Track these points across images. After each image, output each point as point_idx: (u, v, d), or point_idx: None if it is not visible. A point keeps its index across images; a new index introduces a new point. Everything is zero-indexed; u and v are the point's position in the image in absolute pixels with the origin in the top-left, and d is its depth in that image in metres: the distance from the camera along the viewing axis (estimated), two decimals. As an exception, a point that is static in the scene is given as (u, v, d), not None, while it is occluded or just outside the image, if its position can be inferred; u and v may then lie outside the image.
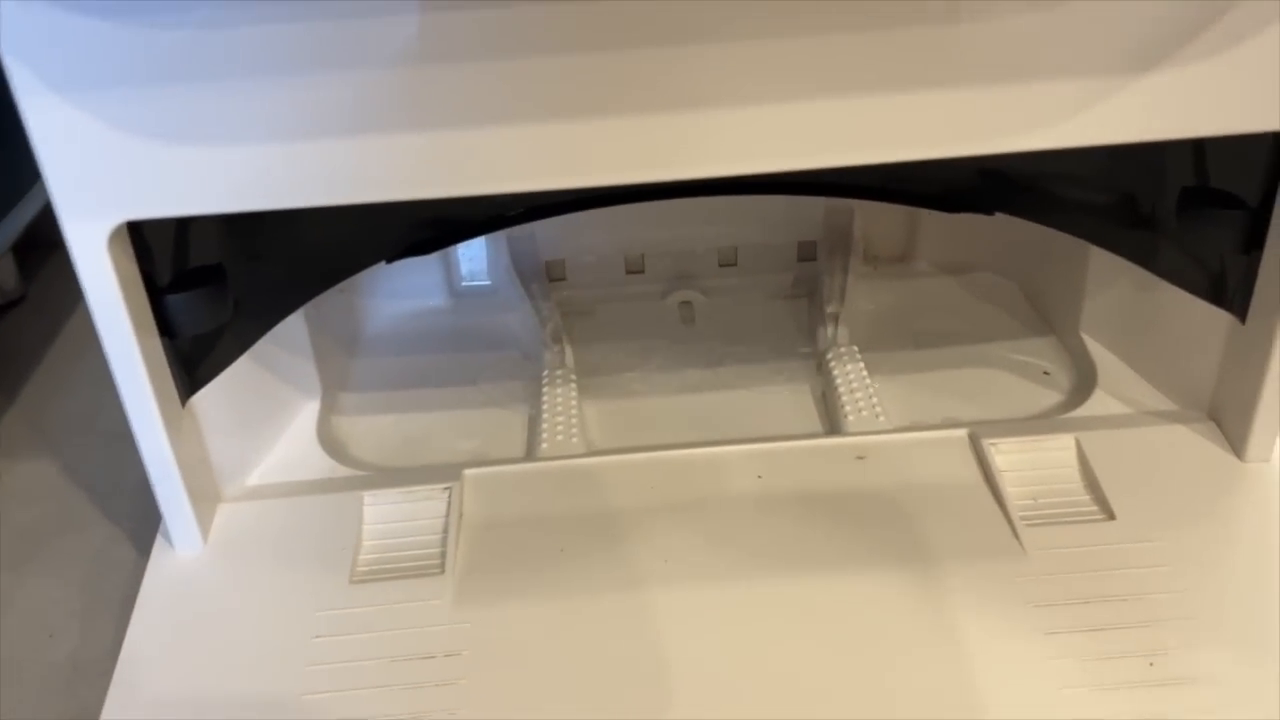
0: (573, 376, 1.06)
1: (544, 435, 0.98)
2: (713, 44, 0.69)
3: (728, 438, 0.97)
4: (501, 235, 1.19)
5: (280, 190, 0.73)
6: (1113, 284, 1.03)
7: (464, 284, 1.23)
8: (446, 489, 0.91)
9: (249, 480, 0.95)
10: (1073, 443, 0.92)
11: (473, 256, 1.22)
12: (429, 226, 1.05)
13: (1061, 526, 0.85)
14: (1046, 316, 1.14)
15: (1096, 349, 1.05)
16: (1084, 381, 1.03)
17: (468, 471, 0.93)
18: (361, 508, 0.90)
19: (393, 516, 0.89)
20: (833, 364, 1.05)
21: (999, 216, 1.07)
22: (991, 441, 0.92)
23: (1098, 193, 0.95)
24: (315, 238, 0.95)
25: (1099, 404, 0.98)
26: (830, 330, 1.11)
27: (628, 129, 0.72)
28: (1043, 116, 0.74)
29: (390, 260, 1.05)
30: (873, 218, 1.22)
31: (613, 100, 0.71)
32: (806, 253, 1.23)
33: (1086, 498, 0.88)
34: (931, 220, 1.21)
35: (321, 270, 0.99)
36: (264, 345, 0.94)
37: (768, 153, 0.75)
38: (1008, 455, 0.92)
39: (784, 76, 0.71)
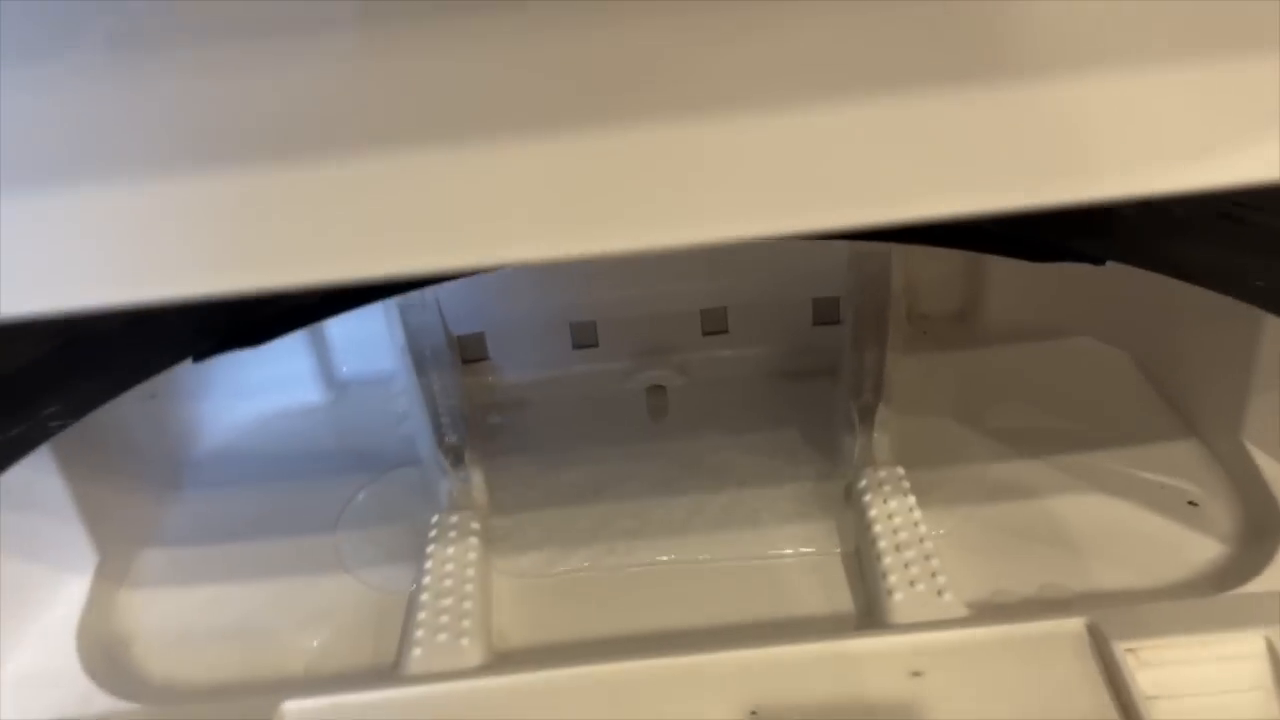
0: (475, 524, 0.71)
1: (417, 635, 0.63)
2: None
3: (708, 629, 0.64)
4: (393, 303, 0.84)
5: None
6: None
7: (345, 372, 0.89)
8: (250, 743, 0.56)
9: (-49, 723, 0.60)
10: (1262, 646, 0.57)
11: (357, 331, 0.87)
12: (256, 305, 0.70)
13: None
14: (1181, 407, 0.78)
15: (1271, 466, 0.69)
16: (1258, 523, 0.67)
17: (289, 706, 0.58)
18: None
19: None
20: (868, 497, 0.70)
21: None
22: (1128, 645, 0.57)
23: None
24: (61, 329, 0.61)
25: (1293, 567, 0.62)
26: (862, 439, 0.75)
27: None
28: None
29: (199, 358, 0.70)
30: (919, 260, 0.87)
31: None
32: (825, 313, 0.87)
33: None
34: (1003, 261, 0.85)
35: (78, 382, 0.64)
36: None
37: (781, 206, 0.40)
38: (1156, 669, 0.57)
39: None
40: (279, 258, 0.43)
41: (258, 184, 0.41)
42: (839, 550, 0.70)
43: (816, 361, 0.87)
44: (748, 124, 0.40)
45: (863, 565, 0.67)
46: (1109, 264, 0.71)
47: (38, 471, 0.67)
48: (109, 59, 0.40)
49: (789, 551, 0.70)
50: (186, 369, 0.75)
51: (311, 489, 0.79)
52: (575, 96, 0.40)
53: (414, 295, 0.82)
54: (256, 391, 0.86)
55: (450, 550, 0.69)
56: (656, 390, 0.87)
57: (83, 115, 0.40)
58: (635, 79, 0.40)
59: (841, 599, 0.66)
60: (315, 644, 0.66)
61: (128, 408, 0.70)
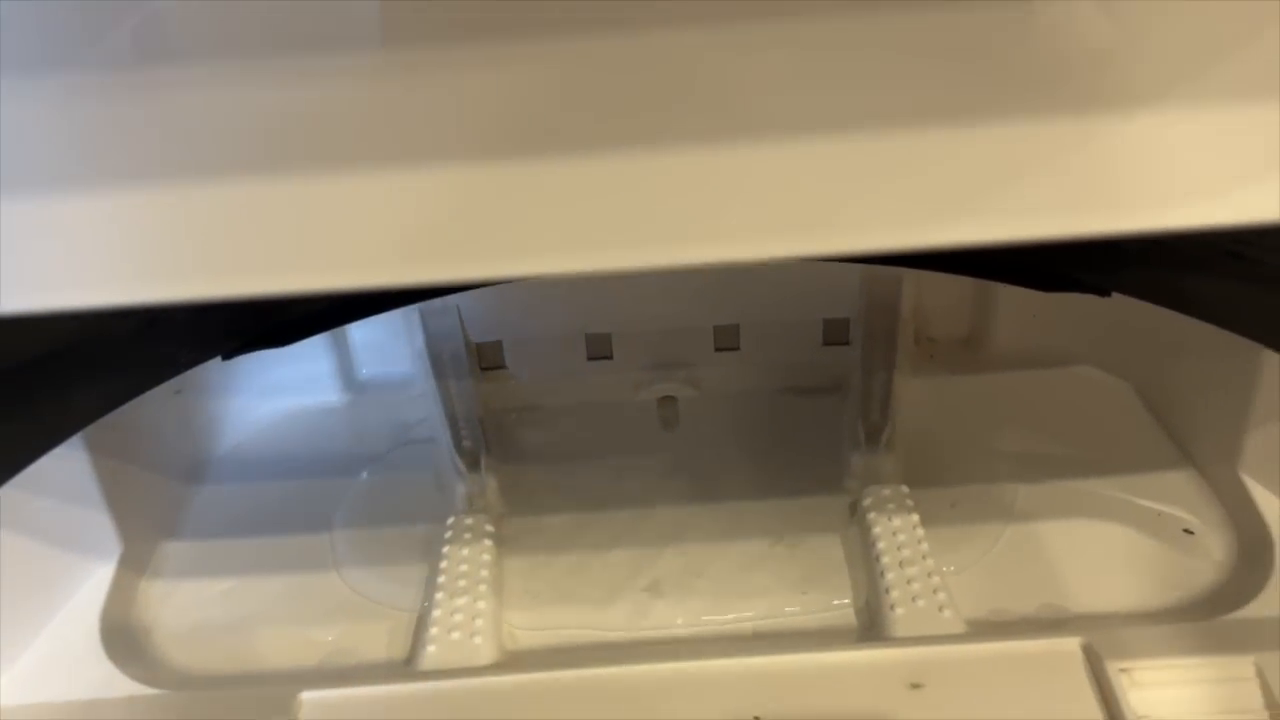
0: (489, 526, 0.73)
1: (432, 633, 0.65)
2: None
3: (713, 636, 0.66)
4: (415, 309, 0.86)
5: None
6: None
7: (365, 374, 0.90)
8: (268, 731, 0.58)
9: (-22, 702, 0.62)
10: (1252, 670, 0.59)
11: (379, 334, 0.89)
12: (285, 308, 0.72)
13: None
14: (1179, 438, 0.79)
15: (1265, 498, 0.70)
16: (1252, 551, 0.69)
17: (307, 696, 0.60)
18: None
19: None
20: (872, 514, 0.72)
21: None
22: (1121, 665, 0.59)
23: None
24: (96, 325, 0.63)
25: (1284, 594, 0.64)
26: (868, 457, 0.77)
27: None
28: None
29: (228, 356, 0.72)
30: (931, 285, 0.89)
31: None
32: (835, 334, 0.89)
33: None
34: (1010, 289, 0.87)
35: (112, 375, 0.66)
36: (16, 489, 0.62)
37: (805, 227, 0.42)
38: (1149, 690, 0.59)
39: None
40: (312, 263, 0.45)
41: (293, 191, 0.42)
42: (844, 566, 0.71)
43: (825, 379, 0.89)
44: (773, 150, 0.42)
45: (869, 582, 0.69)
46: (1113, 295, 0.73)
47: (68, 460, 0.69)
48: (139, 67, 0.41)
49: (800, 562, 0.71)
50: (211, 367, 0.77)
51: (329, 487, 0.81)
52: (601, 119, 0.42)
53: (435, 302, 0.84)
54: (278, 390, 0.87)
55: (465, 551, 0.71)
56: (667, 401, 0.89)
57: (126, 120, 0.42)
58: (660, 102, 0.42)
59: (844, 612, 0.68)
60: (330, 638, 0.68)
61: (154, 402, 0.72)
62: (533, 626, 0.68)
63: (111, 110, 0.42)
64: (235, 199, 0.43)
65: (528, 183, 0.42)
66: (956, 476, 0.78)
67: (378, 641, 0.67)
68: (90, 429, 0.67)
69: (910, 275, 0.86)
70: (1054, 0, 0.40)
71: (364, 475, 0.82)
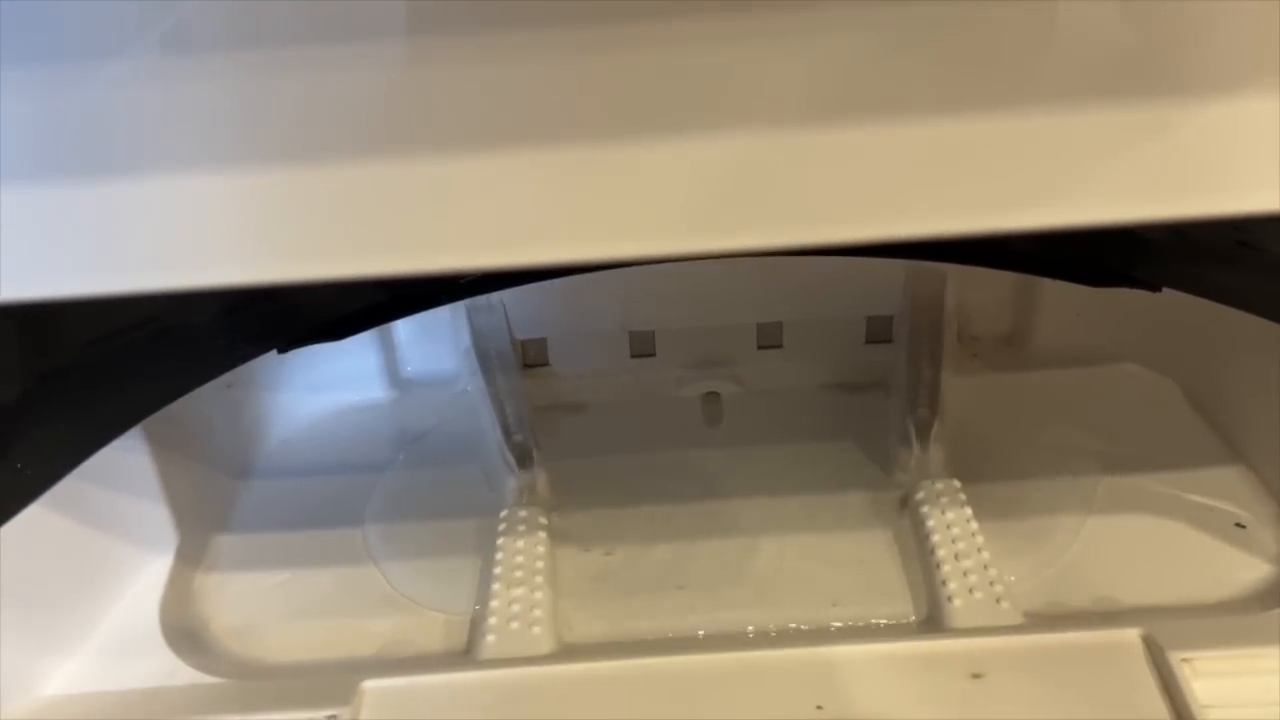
0: (542, 519, 0.73)
1: (490, 623, 0.65)
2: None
3: (770, 628, 0.66)
4: (461, 306, 0.86)
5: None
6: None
7: (409, 371, 0.91)
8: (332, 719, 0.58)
9: (42, 690, 0.62)
10: (1314, 660, 0.58)
11: (422, 331, 0.90)
12: (337, 300, 0.73)
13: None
14: (1226, 434, 0.79)
15: (1318, 492, 0.71)
16: (1306, 545, 0.68)
17: (368, 685, 0.60)
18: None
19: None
20: (925, 508, 0.72)
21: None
22: (1183, 655, 0.58)
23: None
24: (158, 317, 0.64)
25: (1340, 587, 0.64)
26: (918, 450, 0.77)
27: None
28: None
29: (284, 349, 0.72)
30: (972, 282, 0.89)
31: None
32: (879, 332, 0.89)
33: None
34: (1052, 286, 0.87)
35: (170, 368, 0.66)
36: (78, 480, 0.62)
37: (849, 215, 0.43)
38: (1211, 680, 0.58)
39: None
40: (452, 242, 0.45)
41: (424, 171, 0.43)
42: (898, 559, 0.71)
43: (868, 376, 0.89)
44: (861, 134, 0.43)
45: (924, 574, 0.69)
46: (1159, 293, 0.73)
47: (127, 453, 0.69)
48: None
49: (851, 554, 0.72)
50: (260, 362, 0.78)
51: (375, 482, 0.81)
52: (649, 110, 0.42)
53: (481, 299, 0.85)
54: (326, 386, 0.88)
55: (520, 544, 0.71)
56: (711, 397, 0.89)
57: (202, 106, 0.43)
58: (712, 94, 0.42)
59: (901, 605, 0.68)
60: (385, 629, 0.68)
61: (206, 398, 0.73)
62: (588, 618, 0.68)
63: (263, 88, 0.42)
64: (364, 179, 0.44)
65: (622, 164, 0.42)
66: (1005, 472, 0.78)
67: (432, 634, 0.68)
68: (147, 423, 0.68)
69: (953, 273, 0.86)
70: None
71: (408, 470, 0.83)
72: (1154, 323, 0.85)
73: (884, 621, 0.67)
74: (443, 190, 0.43)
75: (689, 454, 0.83)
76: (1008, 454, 0.80)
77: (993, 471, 0.78)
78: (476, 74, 0.42)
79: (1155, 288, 0.73)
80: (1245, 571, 0.68)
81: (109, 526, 0.69)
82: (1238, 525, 0.72)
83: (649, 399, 0.89)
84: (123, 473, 0.69)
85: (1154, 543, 0.71)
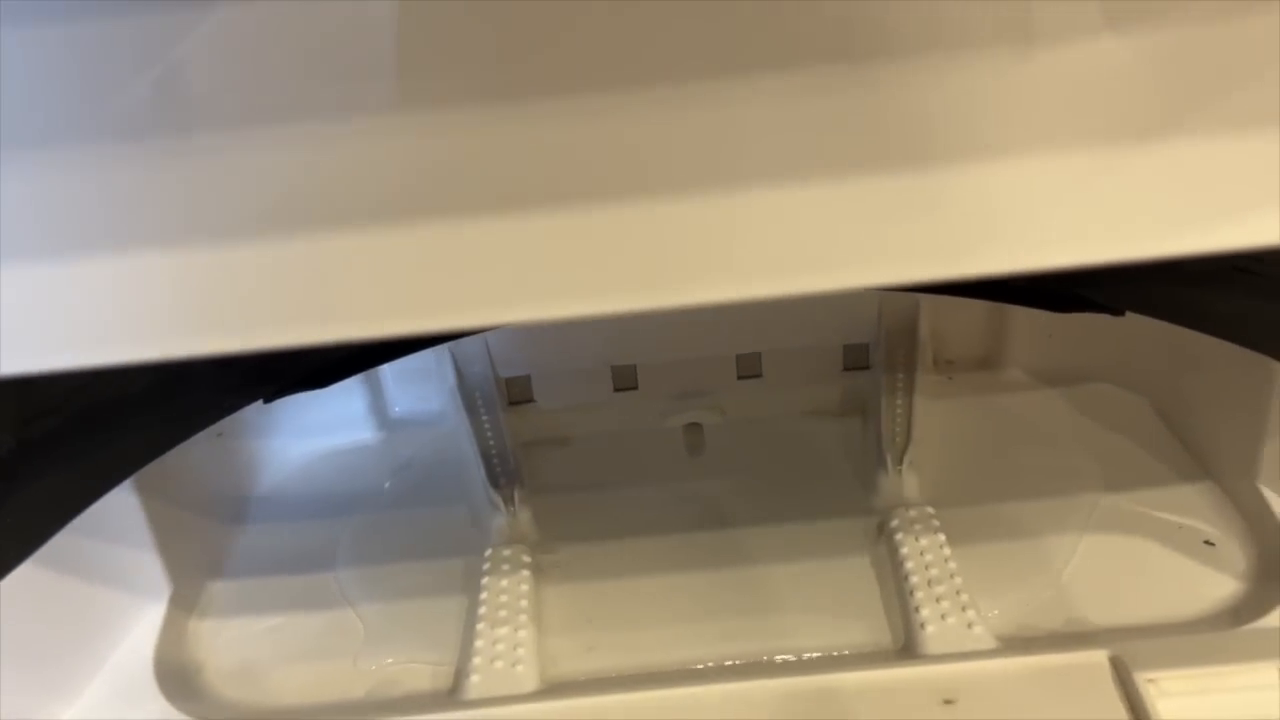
0: (526, 557, 0.75)
1: (475, 663, 0.67)
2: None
3: (750, 659, 0.67)
4: (445, 346, 0.88)
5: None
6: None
7: (398, 411, 0.93)
8: (321, 761, 0.60)
9: (43, 741, 0.64)
10: (1277, 678, 0.60)
11: (409, 372, 0.92)
12: (322, 350, 0.75)
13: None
14: (1198, 452, 0.81)
15: (1285, 508, 0.72)
16: (1272, 560, 0.70)
17: (357, 727, 0.62)
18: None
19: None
20: (899, 534, 0.73)
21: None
22: (1149, 676, 0.60)
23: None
24: (150, 374, 0.65)
25: (1305, 604, 0.65)
26: (892, 475, 0.79)
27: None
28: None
29: (270, 399, 0.74)
30: (946, 310, 0.91)
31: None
32: (855, 359, 0.91)
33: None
34: (1025, 310, 0.89)
35: (160, 422, 0.68)
36: (72, 533, 0.64)
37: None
38: (1176, 699, 0.60)
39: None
40: (341, 315, 0.47)
41: (326, 247, 0.45)
42: (876, 586, 0.73)
43: (846, 404, 0.91)
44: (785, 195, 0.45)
45: (899, 599, 0.70)
46: (1128, 315, 0.75)
47: (119, 504, 0.71)
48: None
49: (829, 580, 0.73)
50: (251, 410, 0.80)
51: (368, 524, 0.83)
52: (612, 174, 0.44)
53: (466, 341, 0.86)
54: (315, 431, 0.90)
55: (504, 582, 0.73)
56: (693, 428, 0.91)
57: (170, 185, 0.45)
58: (668, 161, 0.44)
59: (878, 632, 0.69)
60: (376, 669, 0.70)
61: (198, 446, 0.74)
62: (572, 654, 0.70)
63: (156, 175, 0.44)
64: (267, 257, 0.45)
65: (556, 230, 0.44)
66: (980, 496, 0.79)
67: (420, 675, 0.69)
68: (139, 474, 0.70)
69: (927, 300, 0.88)
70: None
71: (397, 511, 0.84)
72: (1126, 342, 0.87)
73: (861, 650, 0.68)
74: (385, 258, 0.45)
75: (671, 486, 0.85)
76: (984, 477, 0.82)
77: (969, 495, 0.79)
78: (421, 145, 0.44)
79: (1119, 312, 0.75)
80: (1214, 589, 0.70)
81: (103, 577, 0.70)
82: (1207, 543, 0.73)
83: (632, 431, 0.91)
84: (116, 523, 0.71)
85: (1126, 562, 0.73)
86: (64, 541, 0.63)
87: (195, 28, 0.42)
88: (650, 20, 0.41)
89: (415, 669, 0.69)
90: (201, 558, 0.78)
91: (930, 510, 0.75)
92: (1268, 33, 0.42)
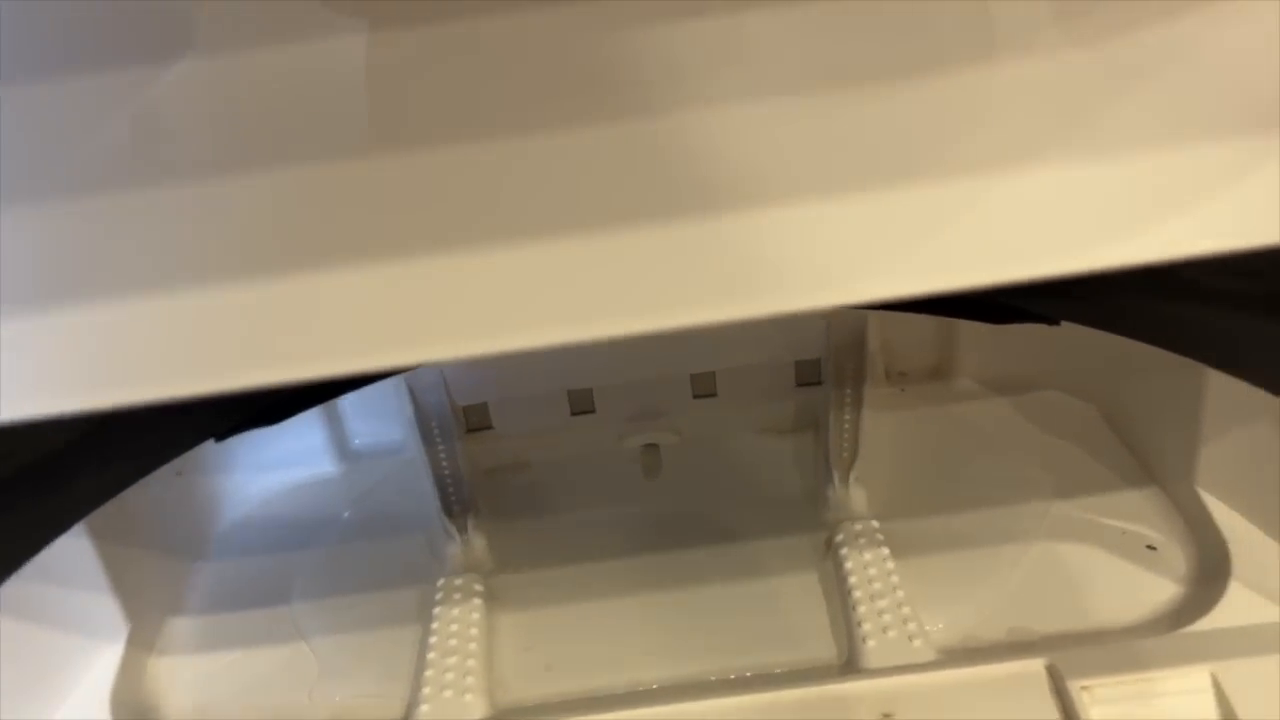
0: (478, 585, 0.76)
1: (425, 693, 0.68)
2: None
3: (702, 675, 0.69)
4: (401, 377, 0.89)
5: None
6: (1245, 417, 0.71)
7: (358, 443, 0.94)
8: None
9: (-1, 785, 0.65)
10: (1208, 680, 0.61)
11: (368, 403, 0.93)
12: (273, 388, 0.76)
13: None
14: (1142, 457, 0.82)
15: (1223, 512, 0.73)
16: (1210, 565, 0.71)
17: (307, 761, 0.63)
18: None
19: None
20: (845, 550, 0.74)
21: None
22: (1083, 683, 0.61)
23: (1228, 300, 0.64)
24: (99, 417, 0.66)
25: (1239, 606, 0.66)
26: (839, 490, 0.80)
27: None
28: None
29: (221, 438, 0.75)
30: (895, 322, 0.92)
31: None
32: (808, 375, 0.92)
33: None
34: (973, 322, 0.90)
35: (111, 463, 0.69)
36: (24, 580, 0.65)
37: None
38: (1109, 706, 0.61)
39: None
40: (290, 355, 0.49)
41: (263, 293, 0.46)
42: (821, 600, 0.74)
43: (801, 420, 0.92)
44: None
45: (844, 613, 0.71)
46: (1065, 324, 0.76)
47: (72, 546, 0.72)
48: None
49: (773, 602, 0.74)
50: (208, 447, 0.81)
51: (328, 556, 0.84)
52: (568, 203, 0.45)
53: (422, 371, 0.88)
54: (275, 465, 0.91)
55: (455, 611, 0.74)
56: (650, 449, 0.92)
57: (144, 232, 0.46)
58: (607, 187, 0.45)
59: (824, 647, 0.70)
60: (334, 702, 0.71)
61: (156, 484, 0.76)
62: (524, 680, 0.71)
63: (99, 227, 0.46)
64: (219, 301, 0.47)
65: (513, 263, 0.45)
66: (929, 507, 0.80)
67: (373, 707, 0.70)
68: (94, 514, 0.71)
69: (875, 313, 0.89)
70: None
71: (354, 543, 0.85)
72: (1074, 349, 0.88)
73: (807, 666, 0.69)
74: (341, 297, 0.46)
75: (627, 508, 0.86)
76: (935, 487, 0.83)
77: (920, 506, 0.80)
78: (374, 184, 0.45)
79: (1054, 321, 0.76)
80: (1154, 593, 0.70)
81: (59, 621, 0.71)
82: (1149, 547, 0.74)
83: (590, 454, 0.92)
84: (70, 566, 0.72)
85: (1071, 569, 0.74)
86: (15, 589, 0.64)
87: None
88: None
89: (367, 702, 0.70)
90: (160, 596, 0.79)
91: (875, 524, 0.76)
92: (1153, 51, 0.43)
